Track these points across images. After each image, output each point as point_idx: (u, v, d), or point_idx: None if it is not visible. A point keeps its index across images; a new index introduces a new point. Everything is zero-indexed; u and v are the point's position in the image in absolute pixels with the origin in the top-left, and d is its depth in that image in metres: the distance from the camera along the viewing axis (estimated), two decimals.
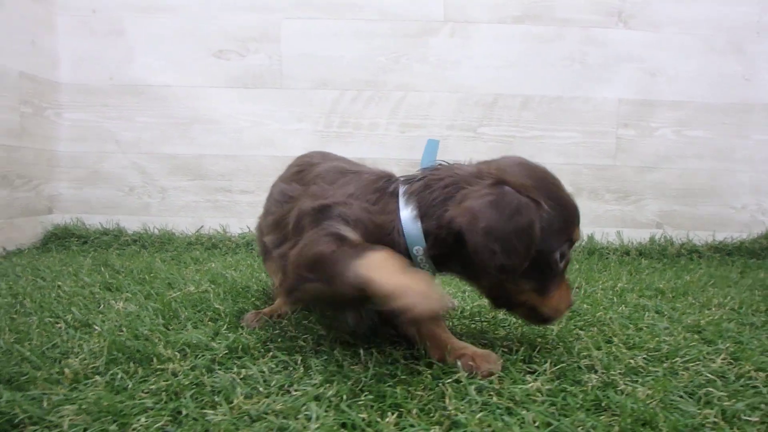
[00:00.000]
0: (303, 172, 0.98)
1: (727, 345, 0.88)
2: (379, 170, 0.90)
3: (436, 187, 0.79)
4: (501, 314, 1.05)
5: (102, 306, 1.09)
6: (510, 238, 0.72)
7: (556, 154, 2.21)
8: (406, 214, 0.79)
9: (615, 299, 1.23)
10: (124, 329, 0.90)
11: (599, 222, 2.24)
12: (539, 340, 0.90)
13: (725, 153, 2.22)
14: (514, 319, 1.02)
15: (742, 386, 0.73)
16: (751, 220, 2.24)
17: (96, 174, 2.22)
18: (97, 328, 0.92)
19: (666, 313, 1.12)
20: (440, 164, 0.85)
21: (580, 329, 0.99)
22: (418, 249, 0.78)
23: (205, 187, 2.20)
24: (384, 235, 0.78)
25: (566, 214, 0.82)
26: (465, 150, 2.18)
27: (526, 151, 2.24)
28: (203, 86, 2.18)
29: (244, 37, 2.17)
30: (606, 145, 2.22)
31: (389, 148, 2.18)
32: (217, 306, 1.06)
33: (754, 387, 0.72)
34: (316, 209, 0.81)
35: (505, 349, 0.85)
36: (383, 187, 0.84)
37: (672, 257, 2.05)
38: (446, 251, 0.77)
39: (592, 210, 2.24)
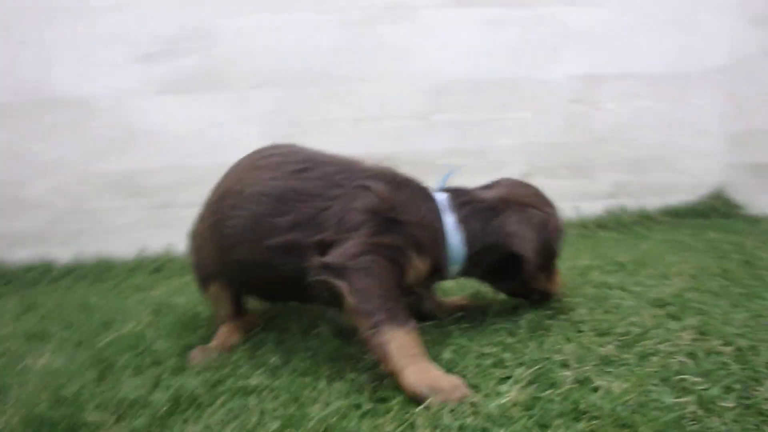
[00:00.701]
0: (307, 170, 0.92)
1: (693, 320, 0.89)
2: (415, 179, 0.97)
3: (475, 214, 0.93)
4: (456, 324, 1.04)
5: (22, 364, 0.95)
6: (544, 248, 0.95)
7: (510, 135, 2.20)
8: (456, 240, 0.91)
9: (579, 279, 1.23)
10: (46, 392, 0.79)
11: (557, 199, 2.21)
12: (509, 339, 0.88)
13: (669, 120, 2.27)
14: (479, 321, 1.00)
15: (713, 365, 0.72)
16: (697, 182, 2.29)
17: (15, 203, 2.02)
18: (12, 395, 0.80)
19: (630, 289, 1.12)
20: (460, 187, 0.99)
21: (549, 318, 0.98)
22: (455, 267, 0.93)
23: (143, 205, 2.08)
24: (433, 256, 0.89)
25: (560, 220, 1.06)
26: (421, 139, 2.15)
27: (481, 134, 2.23)
28: (132, 94, 2.04)
29: (174, 38, 2.04)
30: (557, 122, 2.23)
31: (344, 144, 2.08)
32: (159, 346, 0.97)
33: (724, 364, 0.72)
34: (388, 218, 0.85)
35: (476, 354, 0.83)
36: (435, 208, 0.92)
37: (627, 226, 2.09)
38: (483, 268, 0.95)
39: (550, 188, 2.18)
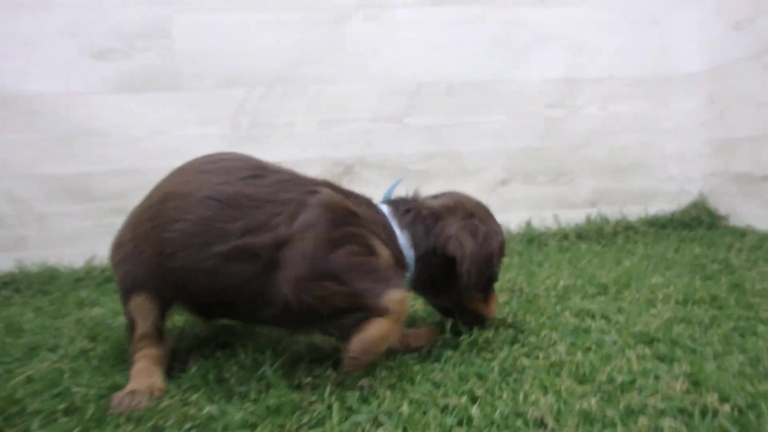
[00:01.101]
0: (258, 177, 0.87)
1: (684, 364, 0.78)
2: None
3: (419, 219, 0.93)
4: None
5: None
6: (482, 261, 0.91)
7: (487, 139, 2.09)
8: (404, 242, 0.91)
9: (559, 305, 1.12)
10: None
11: (535, 206, 2.16)
12: (479, 387, 0.76)
13: (650, 125, 2.19)
14: (449, 366, 0.88)
15: (709, 429, 0.62)
16: (678, 189, 2.23)
17: None
18: None
19: (613, 319, 1.02)
20: (405, 197, 0.99)
21: (525, 356, 0.87)
22: (409, 271, 0.91)
23: (95, 210, 1.92)
24: (392, 248, 0.89)
25: (503, 240, 0.98)
26: (392, 142, 2.03)
27: (455, 138, 2.12)
28: (84, 93, 1.88)
29: (130, 34, 1.88)
30: (535, 126, 2.13)
31: (309, 147, 1.99)
32: (81, 387, 0.83)
33: (722, 430, 0.62)
34: (347, 212, 0.84)
35: (440, 406, 0.71)
36: (382, 212, 0.93)
37: (609, 237, 2.00)
38: (427, 275, 0.92)
39: (528, 194, 2.15)
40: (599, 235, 2.02)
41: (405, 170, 1.23)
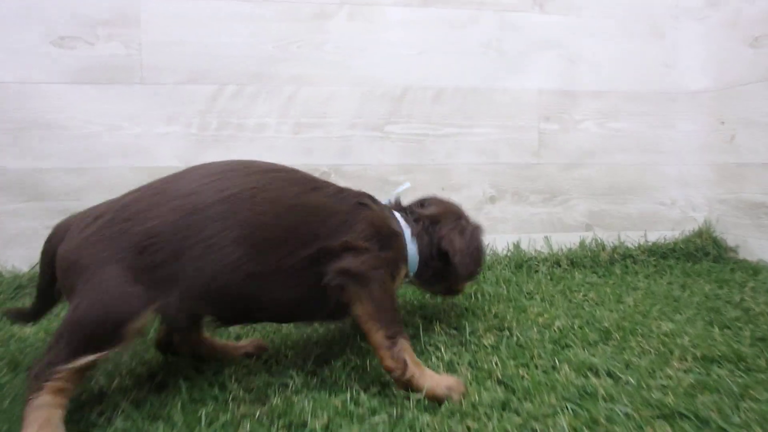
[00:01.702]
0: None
1: None
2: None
3: (424, 229, 1.03)
4: None
5: None
6: (470, 254, 1.04)
7: (475, 152, 1.90)
8: (413, 249, 0.99)
9: (556, 356, 0.92)
10: None
11: (525, 227, 1.97)
12: None
13: (651, 145, 2.02)
14: None
15: None
16: (681, 216, 2.06)
17: None
18: None
19: (621, 377, 0.82)
20: (404, 206, 1.10)
21: (518, 430, 0.67)
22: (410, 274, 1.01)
23: (45, 210, 1.70)
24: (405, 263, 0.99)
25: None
26: (371, 151, 1.83)
27: (440, 150, 1.93)
28: (40, 82, 1.67)
29: (93, 21, 1.68)
30: (528, 140, 1.94)
31: (281, 152, 1.78)
32: None
33: None
34: (392, 233, 0.94)
35: None
36: (399, 223, 1.01)
37: (605, 265, 1.81)
38: (427, 274, 1.03)
39: (517, 214, 1.97)
40: (594, 262, 1.84)
41: (407, 183, 1.22)
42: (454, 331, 1.09)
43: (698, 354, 0.89)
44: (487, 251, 1.90)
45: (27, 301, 1.41)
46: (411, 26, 1.81)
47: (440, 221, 1.05)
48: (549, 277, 1.65)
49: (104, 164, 1.71)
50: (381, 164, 1.82)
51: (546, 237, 1.98)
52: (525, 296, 1.40)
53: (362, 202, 0.92)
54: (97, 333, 0.69)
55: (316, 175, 1.78)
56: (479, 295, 1.41)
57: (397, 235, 0.94)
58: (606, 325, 1.07)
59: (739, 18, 1.80)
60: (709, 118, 1.93)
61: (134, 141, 1.71)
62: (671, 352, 0.91)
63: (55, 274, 0.78)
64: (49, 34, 1.66)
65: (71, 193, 1.70)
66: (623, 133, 1.99)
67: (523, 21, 1.88)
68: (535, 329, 1.06)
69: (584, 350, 0.93)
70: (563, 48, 1.92)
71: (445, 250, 1.01)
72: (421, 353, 0.96)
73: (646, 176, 2.02)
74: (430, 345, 1.01)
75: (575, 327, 1.08)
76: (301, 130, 1.78)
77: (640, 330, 1.05)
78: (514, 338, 1.02)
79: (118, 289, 0.71)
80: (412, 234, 1.00)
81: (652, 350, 0.93)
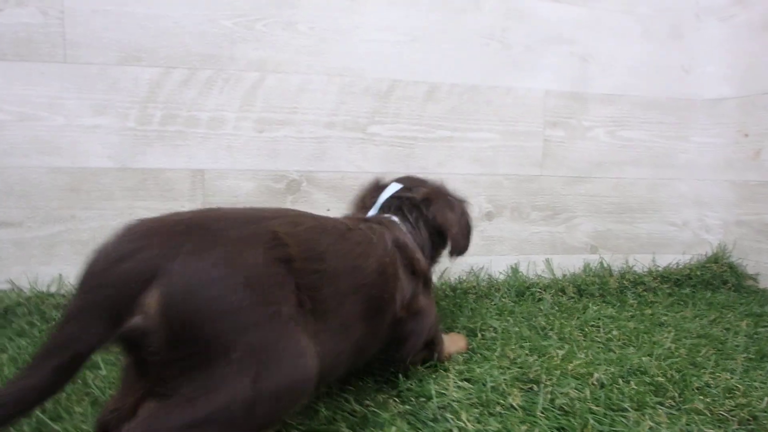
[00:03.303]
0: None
1: None
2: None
3: (421, 217, 1.15)
4: None
5: None
6: (463, 227, 1.21)
7: (471, 161, 1.77)
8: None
9: (615, 426, 0.78)
10: None
11: (525, 248, 1.86)
12: None
13: (664, 158, 1.95)
14: None
15: None
16: (693, 238, 1.99)
17: None
18: None
19: None
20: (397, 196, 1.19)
21: None
22: None
23: None
24: None
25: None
26: (350, 156, 1.67)
27: (431, 157, 1.77)
28: None
29: None
30: (531, 149, 1.83)
31: (242, 154, 1.59)
32: None
33: None
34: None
35: None
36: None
37: (615, 293, 1.71)
38: (432, 250, 1.17)
39: (516, 233, 1.84)
40: (603, 290, 1.74)
41: (393, 183, 1.22)
42: (467, 384, 0.95)
43: (752, 414, 0.77)
44: (484, 275, 1.78)
45: None
46: (402, 8, 1.66)
47: (432, 201, 1.16)
48: (557, 308, 1.54)
49: (14, 163, 1.47)
50: (361, 172, 1.66)
51: (547, 259, 1.87)
52: (539, 333, 1.27)
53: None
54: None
55: (284, 184, 1.61)
56: (485, 332, 1.27)
57: (419, 259, 1.03)
58: (654, 375, 0.95)
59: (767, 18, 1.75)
60: (730, 129, 1.88)
61: (55, 135, 1.48)
62: (755, 419, 0.78)
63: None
64: None
65: None
66: (635, 143, 1.92)
67: (532, 9, 1.77)
68: (570, 383, 0.92)
69: (645, 417, 0.79)
70: (574, 44, 1.82)
71: (441, 226, 1.15)
72: (435, 421, 0.80)
73: (657, 193, 1.95)
74: (444, 407, 0.85)
75: (618, 380, 0.94)
76: (265, 128, 1.60)
77: (697, 384, 0.93)
78: (549, 396, 0.88)
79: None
80: (409, 230, 1.10)
81: (729, 417, 0.80)
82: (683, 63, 1.92)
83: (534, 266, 1.86)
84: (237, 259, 0.59)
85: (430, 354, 1.03)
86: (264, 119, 1.59)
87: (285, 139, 1.61)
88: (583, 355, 1.07)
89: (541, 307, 1.54)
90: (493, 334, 1.26)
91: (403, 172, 1.72)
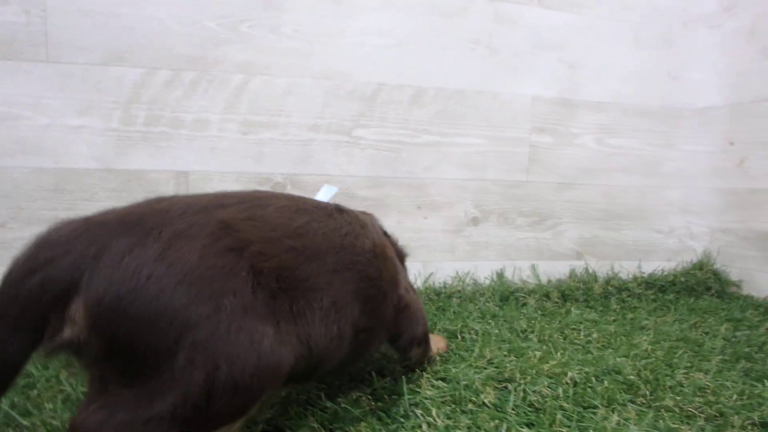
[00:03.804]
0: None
1: None
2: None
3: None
4: None
5: None
6: None
7: (458, 165, 1.80)
8: None
9: (582, 422, 0.80)
10: None
11: (510, 254, 1.88)
12: None
13: (652, 166, 1.99)
14: None
15: None
16: (679, 245, 2.03)
17: None
18: None
19: None
20: None
21: None
22: None
23: None
24: None
25: None
26: (335, 159, 1.70)
27: (419, 161, 1.80)
28: None
29: None
30: (518, 154, 1.86)
31: (226, 156, 1.62)
32: None
33: None
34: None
35: None
36: None
37: (599, 299, 1.74)
38: None
39: (502, 239, 1.87)
40: (587, 295, 1.76)
41: (334, 187, 1.18)
42: (442, 384, 0.97)
43: (756, 419, 0.80)
44: (469, 280, 1.80)
45: None
46: (388, 11, 1.70)
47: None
48: (540, 312, 1.57)
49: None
50: (347, 175, 1.69)
51: (533, 265, 1.90)
52: (519, 336, 1.29)
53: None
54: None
55: (268, 186, 1.63)
56: (465, 334, 1.29)
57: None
58: (628, 376, 0.97)
59: (758, 26, 1.79)
60: (718, 137, 1.91)
61: (38, 135, 1.51)
62: (722, 415, 0.81)
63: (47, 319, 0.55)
64: None
65: None
66: (623, 150, 1.96)
67: (520, 15, 1.81)
68: (545, 382, 0.94)
69: (614, 413, 0.82)
70: (562, 50, 1.86)
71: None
72: (406, 417, 0.82)
73: (644, 200, 1.99)
74: (416, 405, 0.87)
75: (592, 379, 0.97)
76: (250, 130, 1.62)
77: (669, 383, 0.96)
78: (521, 394, 0.90)
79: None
80: None
81: (697, 413, 0.83)
82: (671, 70, 1.96)
83: (519, 271, 1.88)
84: (171, 255, 0.57)
85: (425, 351, 1.02)
86: (249, 121, 1.62)
87: (270, 141, 1.64)
88: (559, 356, 1.10)
89: (524, 311, 1.57)
90: (474, 336, 1.28)
91: (389, 177, 1.76)
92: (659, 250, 2.02)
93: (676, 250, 2.02)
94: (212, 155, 1.61)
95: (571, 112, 1.89)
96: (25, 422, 0.80)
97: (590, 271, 1.92)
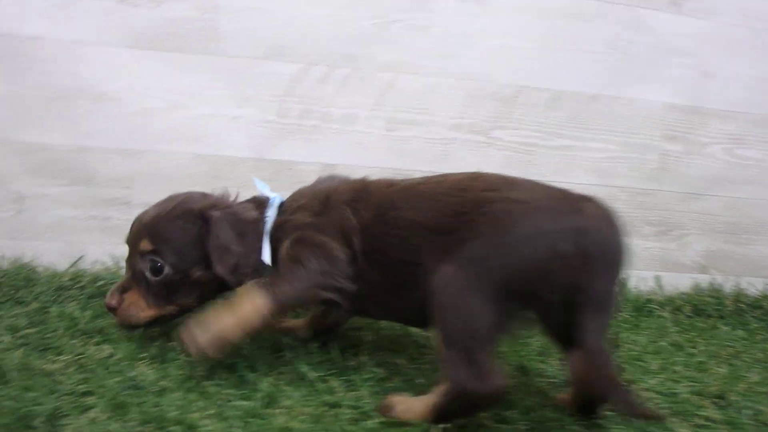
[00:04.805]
0: None
1: None
2: None
3: None
4: None
5: None
6: None
7: (588, 171, 1.86)
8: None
9: None
10: None
11: (636, 263, 1.92)
12: None
13: None
14: None
15: None
16: None
17: None
18: None
19: None
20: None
21: None
22: None
23: (89, 197, 1.62)
24: None
25: None
26: (473, 159, 1.78)
27: (550, 165, 1.86)
28: (94, 43, 1.59)
29: None
30: (648, 162, 1.91)
31: (370, 151, 1.72)
32: None
33: None
34: None
35: None
36: None
37: (733, 316, 1.77)
38: None
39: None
40: (719, 311, 1.79)
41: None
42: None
43: None
44: None
45: (77, 312, 1.27)
46: (531, 14, 1.78)
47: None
48: (678, 328, 1.62)
49: (162, 147, 1.64)
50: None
51: (656, 276, 1.93)
52: (670, 353, 1.35)
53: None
54: None
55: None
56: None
57: None
58: None
59: None
60: None
61: (199, 122, 1.65)
62: None
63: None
64: None
65: (122, 179, 1.63)
66: (753, 162, 1.97)
67: (653, 19, 1.86)
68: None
69: None
70: (694, 56, 1.90)
71: None
72: None
73: None
74: None
75: None
76: (395, 127, 1.73)
77: None
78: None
79: None
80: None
81: None
82: None
83: (643, 281, 1.92)
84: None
85: None
86: (394, 119, 1.73)
87: (413, 138, 1.74)
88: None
89: (659, 323, 1.61)
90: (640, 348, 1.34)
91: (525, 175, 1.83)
92: None
93: None
94: (358, 149, 1.72)
95: (701, 120, 1.92)
96: None
97: (715, 285, 1.94)
